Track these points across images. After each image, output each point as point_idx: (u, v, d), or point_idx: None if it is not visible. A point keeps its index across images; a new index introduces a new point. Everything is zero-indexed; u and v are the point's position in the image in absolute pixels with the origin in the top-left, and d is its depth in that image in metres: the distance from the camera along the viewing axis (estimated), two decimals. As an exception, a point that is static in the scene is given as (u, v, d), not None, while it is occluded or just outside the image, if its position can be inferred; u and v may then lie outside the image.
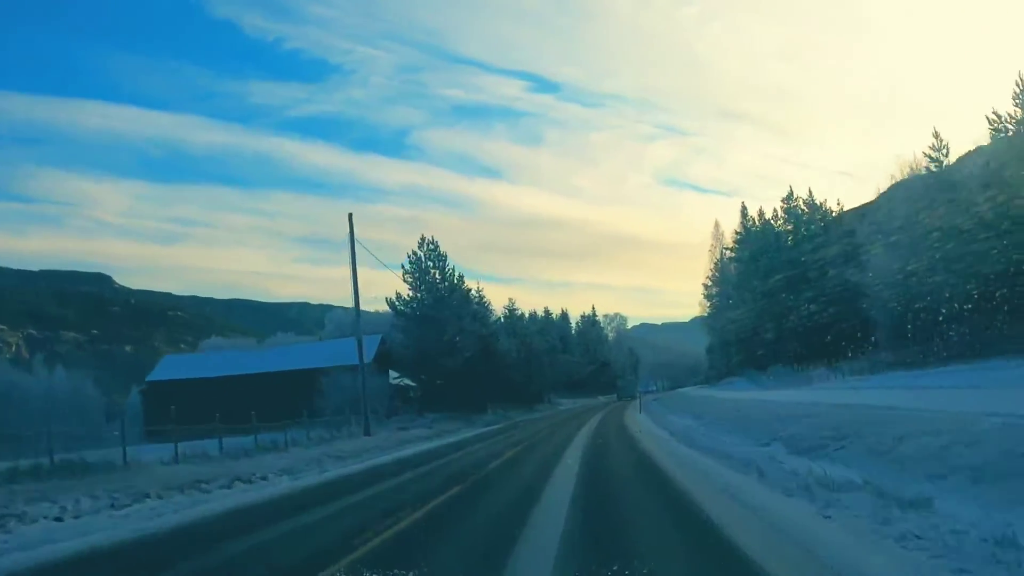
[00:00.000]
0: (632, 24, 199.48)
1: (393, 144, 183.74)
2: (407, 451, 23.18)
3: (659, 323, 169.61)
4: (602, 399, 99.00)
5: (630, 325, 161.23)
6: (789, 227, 63.50)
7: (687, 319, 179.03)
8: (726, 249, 72.35)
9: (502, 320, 63.05)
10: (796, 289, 57.48)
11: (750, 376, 58.45)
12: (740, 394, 38.49)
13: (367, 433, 28.42)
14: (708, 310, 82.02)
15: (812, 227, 60.69)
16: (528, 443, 23.95)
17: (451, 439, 29.46)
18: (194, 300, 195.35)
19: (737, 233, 68.55)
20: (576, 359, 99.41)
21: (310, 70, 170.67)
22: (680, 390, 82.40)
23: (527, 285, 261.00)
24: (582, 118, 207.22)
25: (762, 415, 18.89)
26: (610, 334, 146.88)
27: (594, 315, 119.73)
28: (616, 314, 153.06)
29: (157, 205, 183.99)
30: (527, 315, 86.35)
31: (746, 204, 68.65)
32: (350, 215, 31.06)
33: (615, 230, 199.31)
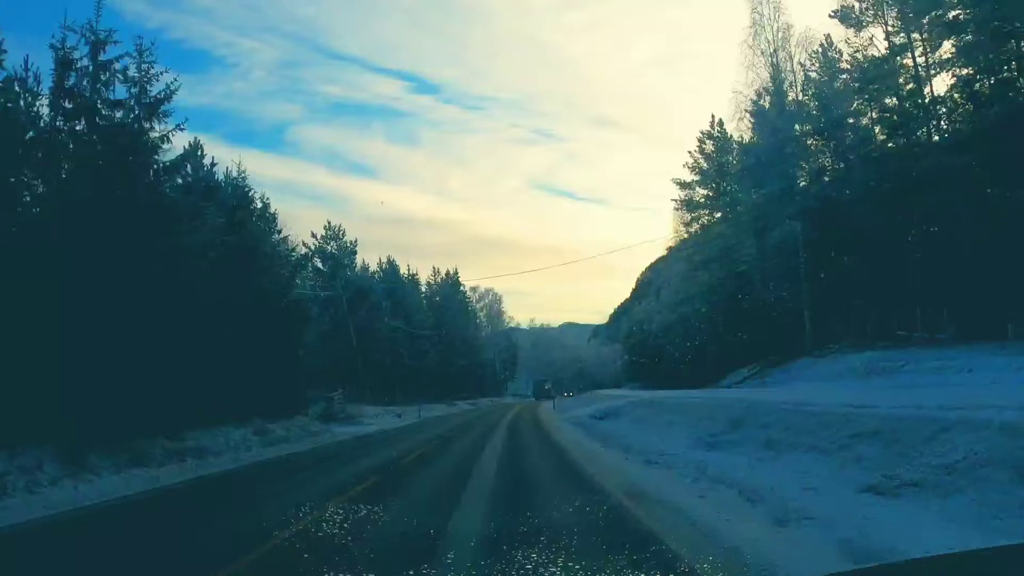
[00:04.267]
0: (514, 29, 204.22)
1: (270, 139, 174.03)
2: None
3: (527, 328, 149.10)
4: (464, 406, 55.18)
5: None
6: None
7: (557, 325, 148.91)
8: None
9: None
10: None
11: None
12: None
13: None
14: (689, 224, 39.99)
15: None
16: None
17: None
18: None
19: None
20: (426, 332, 54.80)
21: (192, 61, 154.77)
22: (633, 395, 40.36)
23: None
24: (460, 120, 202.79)
25: None
26: (481, 316, 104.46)
27: (456, 277, 75.49)
28: (489, 290, 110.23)
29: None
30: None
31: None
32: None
33: (488, 232, 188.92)
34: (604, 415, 24.73)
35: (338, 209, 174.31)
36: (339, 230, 42.77)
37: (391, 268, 54.01)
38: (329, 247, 42.22)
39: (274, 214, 25.20)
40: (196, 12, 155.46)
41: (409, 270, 64.80)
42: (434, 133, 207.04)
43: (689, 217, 39.69)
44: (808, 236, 27.70)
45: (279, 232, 25.53)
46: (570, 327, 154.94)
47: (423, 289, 67.08)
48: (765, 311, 32.38)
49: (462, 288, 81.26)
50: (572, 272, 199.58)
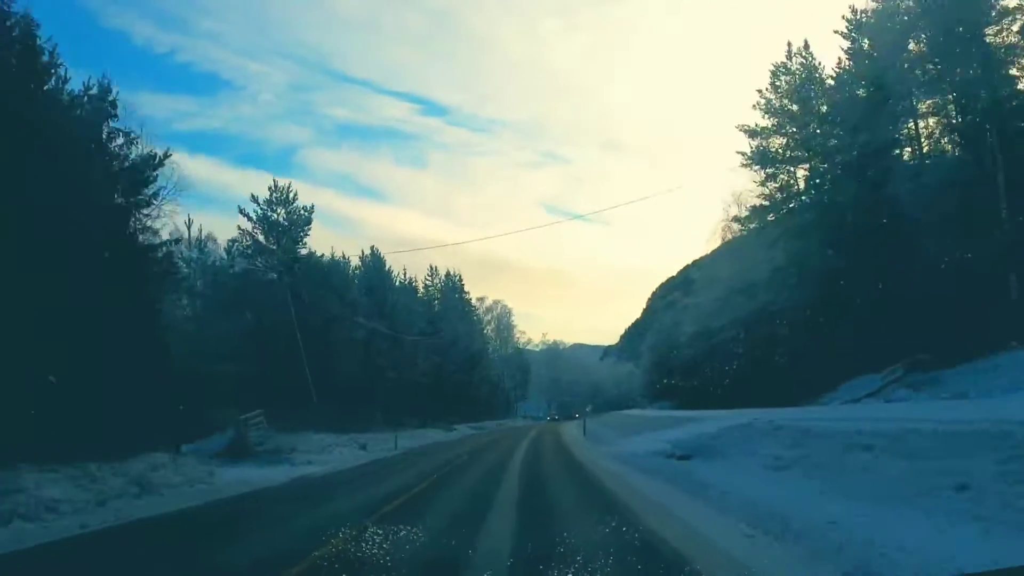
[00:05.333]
0: (522, 53, 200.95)
1: (278, 161, 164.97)
2: None
3: (538, 349, 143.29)
4: (466, 431, 44.66)
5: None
6: None
7: (568, 345, 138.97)
8: None
9: None
10: None
11: None
12: None
13: None
14: (764, 183, 29.46)
15: None
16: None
17: None
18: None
19: None
20: (415, 337, 44.32)
21: (200, 84, 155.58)
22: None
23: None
24: (468, 143, 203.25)
25: None
26: (489, 329, 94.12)
27: (458, 280, 65.04)
28: (498, 302, 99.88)
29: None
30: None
31: None
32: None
33: (495, 256, 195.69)
34: (688, 451, 14.14)
35: (346, 232, 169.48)
36: (288, 192, 32.19)
37: (374, 259, 43.56)
38: (276, 214, 31.68)
39: (114, 100, 14.96)
40: (205, 35, 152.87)
41: (405, 274, 54.69)
42: (442, 156, 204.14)
43: (765, 174, 29.12)
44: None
45: (127, 137, 15.08)
46: (580, 348, 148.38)
47: (420, 292, 56.70)
48: (894, 290, 21.78)
49: (467, 295, 70.87)
50: (582, 294, 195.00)
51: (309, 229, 32.18)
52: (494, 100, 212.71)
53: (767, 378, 30.55)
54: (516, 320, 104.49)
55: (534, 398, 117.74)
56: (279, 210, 31.56)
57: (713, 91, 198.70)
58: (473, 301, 78.77)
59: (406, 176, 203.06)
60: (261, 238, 31.03)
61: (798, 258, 26.10)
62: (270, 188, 31.78)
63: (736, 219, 30.49)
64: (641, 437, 19.06)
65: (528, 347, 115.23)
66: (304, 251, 32.12)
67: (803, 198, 26.94)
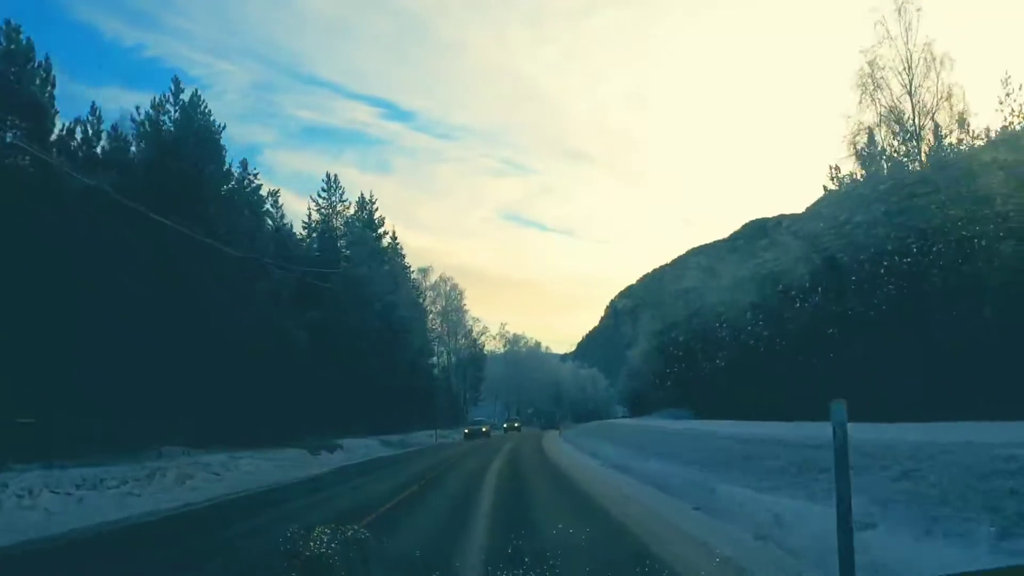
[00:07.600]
0: (488, 61, 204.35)
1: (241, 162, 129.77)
2: None
3: (496, 351, 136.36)
4: (344, 461, 23.21)
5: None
6: None
7: (531, 342, 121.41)
8: None
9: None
10: None
11: None
12: None
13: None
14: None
15: None
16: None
17: None
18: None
19: None
20: (253, 256, 22.47)
21: (166, 80, 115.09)
22: None
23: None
24: (431, 149, 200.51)
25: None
26: (434, 310, 73.44)
27: (371, 211, 43.26)
28: (446, 278, 78.50)
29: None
30: None
31: None
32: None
33: (457, 262, 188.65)
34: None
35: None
36: None
37: (184, 114, 21.52)
38: None
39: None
40: (172, 32, 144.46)
41: (326, 223, 32.88)
42: (405, 161, 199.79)
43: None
44: None
45: None
46: (536, 355, 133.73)
47: (312, 217, 34.98)
48: None
49: (397, 248, 49.20)
50: (538, 301, 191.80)
51: None
52: (459, 106, 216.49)
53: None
54: (468, 305, 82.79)
55: (489, 403, 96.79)
56: None
57: (675, 100, 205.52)
58: (412, 271, 57.53)
59: (369, 180, 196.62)
60: None
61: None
62: None
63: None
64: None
65: (483, 337, 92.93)
66: None
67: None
